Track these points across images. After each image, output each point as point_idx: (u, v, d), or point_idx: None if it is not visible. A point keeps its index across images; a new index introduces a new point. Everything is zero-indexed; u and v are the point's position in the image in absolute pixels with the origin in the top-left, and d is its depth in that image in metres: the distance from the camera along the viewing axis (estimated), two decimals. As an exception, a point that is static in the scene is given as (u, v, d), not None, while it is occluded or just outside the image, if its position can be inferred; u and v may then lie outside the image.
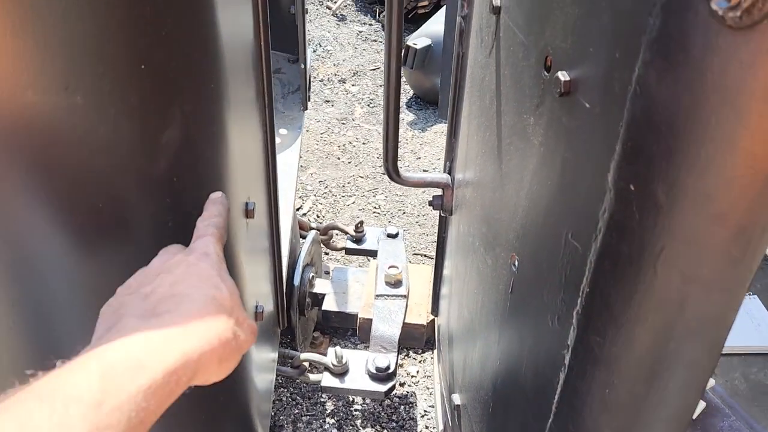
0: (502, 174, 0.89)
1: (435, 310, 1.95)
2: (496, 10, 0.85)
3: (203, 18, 0.75)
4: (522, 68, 0.77)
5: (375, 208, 3.64)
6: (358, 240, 2.52)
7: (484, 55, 0.96)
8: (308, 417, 2.57)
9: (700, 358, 0.60)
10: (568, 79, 0.63)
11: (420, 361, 2.82)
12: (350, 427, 2.55)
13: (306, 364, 2.07)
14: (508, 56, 0.83)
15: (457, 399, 1.44)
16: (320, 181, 3.88)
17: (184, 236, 0.71)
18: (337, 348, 1.98)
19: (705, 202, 0.50)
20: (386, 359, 2.00)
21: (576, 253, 0.67)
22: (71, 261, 0.71)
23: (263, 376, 1.31)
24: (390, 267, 2.22)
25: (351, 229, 2.52)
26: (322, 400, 2.63)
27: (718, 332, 0.57)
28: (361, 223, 2.51)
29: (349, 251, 2.50)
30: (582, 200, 0.65)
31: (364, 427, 2.54)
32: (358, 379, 1.99)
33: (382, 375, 1.98)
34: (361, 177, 3.95)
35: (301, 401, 2.62)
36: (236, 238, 0.81)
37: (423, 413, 2.65)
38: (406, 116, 4.49)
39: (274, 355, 1.55)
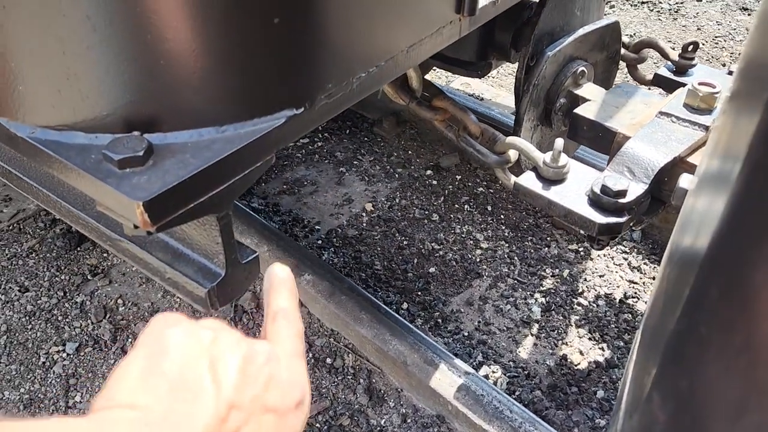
0: None
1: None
2: None
3: None
4: None
5: None
6: (681, 70, 1.69)
7: None
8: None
9: None
10: None
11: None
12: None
13: (512, 154, 1.45)
14: None
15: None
16: None
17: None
18: (560, 141, 1.31)
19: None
20: (625, 183, 1.25)
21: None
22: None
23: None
24: (702, 83, 1.40)
25: (675, 53, 1.71)
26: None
27: None
28: (695, 46, 1.68)
29: (659, 80, 1.71)
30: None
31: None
32: (570, 196, 1.30)
33: (609, 202, 1.25)
34: None
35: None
36: None
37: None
38: None
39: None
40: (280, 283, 0.63)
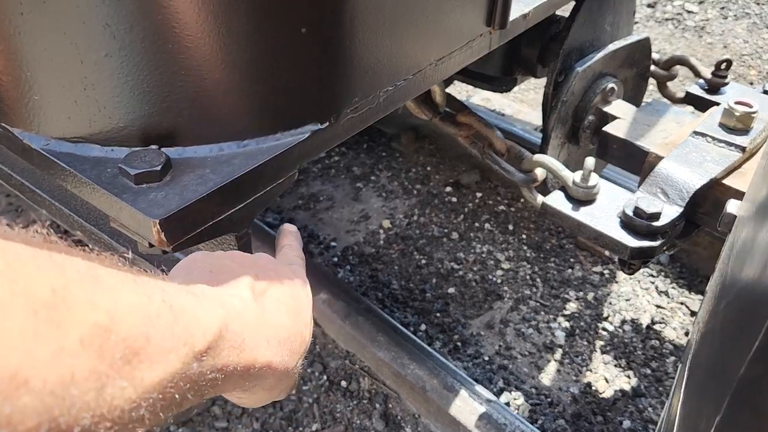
0: None
1: None
2: None
3: None
4: None
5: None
6: (713, 88, 1.64)
7: None
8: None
9: None
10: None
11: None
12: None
13: (539, 173, 1.40)
14: None
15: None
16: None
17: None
18: (590, 160, 1.26)
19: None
20: (659, 206, 1.20)
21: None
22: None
23: None
24: (739, 103, 1.34)
25: (707, 71, 1.66)
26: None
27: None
28: (728, 63, 1.62)
29: (691, 98, 1.65)
30: None
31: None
32: (600, 217, 1.25)
33: (642, 225, 1.20)
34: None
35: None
36: None
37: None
38: None
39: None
40: (288, 232, 0.80)
